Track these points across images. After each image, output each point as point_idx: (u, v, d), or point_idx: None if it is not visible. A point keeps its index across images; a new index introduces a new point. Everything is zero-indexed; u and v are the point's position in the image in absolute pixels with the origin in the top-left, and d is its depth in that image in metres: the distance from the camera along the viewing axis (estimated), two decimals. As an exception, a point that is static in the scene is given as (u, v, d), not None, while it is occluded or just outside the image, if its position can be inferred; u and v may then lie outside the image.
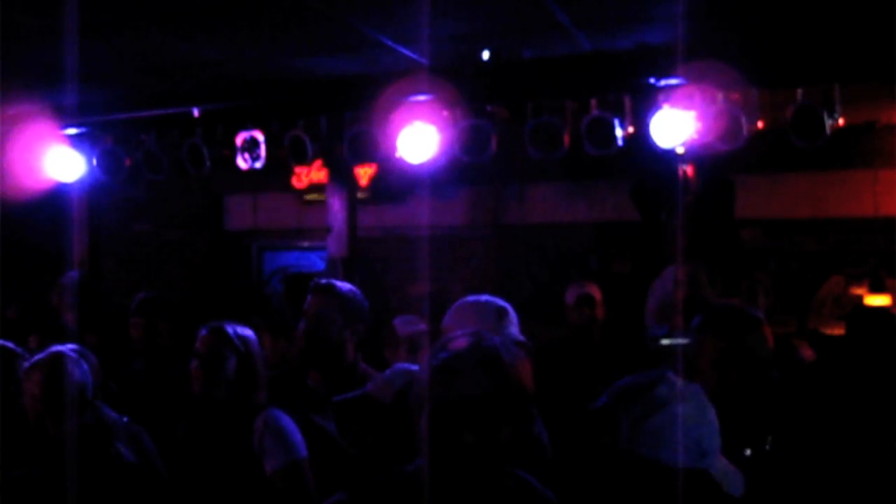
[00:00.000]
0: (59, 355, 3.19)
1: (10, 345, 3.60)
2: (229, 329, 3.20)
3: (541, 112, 4.57)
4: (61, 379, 3.13)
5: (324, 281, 3.51)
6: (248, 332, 3.24)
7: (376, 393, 2.84)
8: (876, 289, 6.78)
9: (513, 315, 3.11)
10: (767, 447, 2.74)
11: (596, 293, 5.01)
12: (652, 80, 4.35)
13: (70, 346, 3.44)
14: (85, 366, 3.22)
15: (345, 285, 3.50)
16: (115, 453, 3.15)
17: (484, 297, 3.14)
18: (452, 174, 6.33)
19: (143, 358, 4.32)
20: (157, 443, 3.40)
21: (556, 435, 2.95)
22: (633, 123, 4.52)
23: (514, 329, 3.12)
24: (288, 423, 3.08)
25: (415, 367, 2.60)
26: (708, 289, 4.63)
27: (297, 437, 3.06)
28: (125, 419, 3.36)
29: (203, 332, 3.22)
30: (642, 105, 4.45)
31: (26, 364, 3.23)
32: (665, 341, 3.75)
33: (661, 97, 4.37)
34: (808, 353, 4.55)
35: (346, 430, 2.96)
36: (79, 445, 3.08)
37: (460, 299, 3.16)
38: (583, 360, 4.72)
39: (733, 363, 2.86)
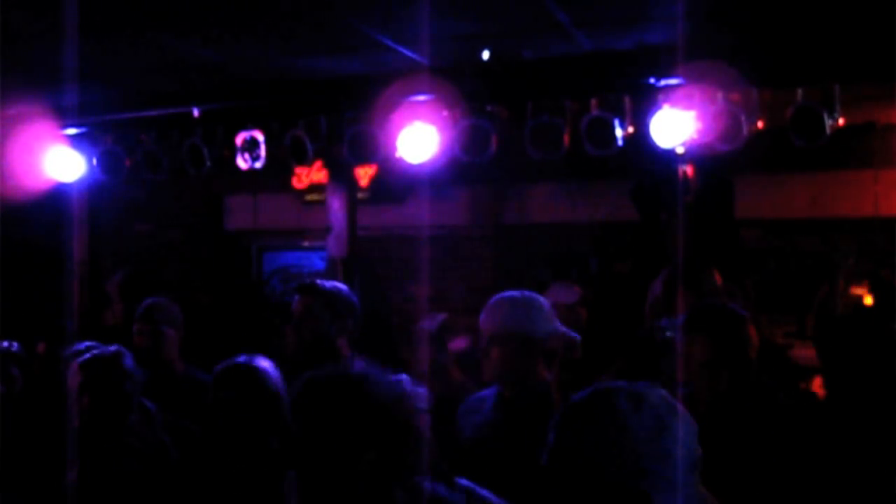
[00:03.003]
0: (112, 353, 3.24)
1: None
2: (251, 366, 2.90)
3: (541, 112, 4.57)
4: (114, 376, 3.17)
5: (307, 281, 3.56)
6: (269, 367, 2.95)
7: None
8: (876, 289, 6.77)
9: None
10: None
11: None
12: (652, 80, 4.35)
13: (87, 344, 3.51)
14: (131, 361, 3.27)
15: (328, 283, 3.56)
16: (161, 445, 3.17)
17: (527, 293, 3.06)
18: (452, 174, 6.33)
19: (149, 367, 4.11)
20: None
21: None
22: (633, 123, 4.52)
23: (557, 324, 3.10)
24: None
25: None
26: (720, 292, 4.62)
27: None
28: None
29: (218, 369, 2.94)
30: (642, 105, 4.45)
31: (76, 362, 3.27)
32: (670, 333, 3.74)
33: (661, 97, 4.37)
34: (805, 353, 4.55)
35: None
36: (130, 440, 3.13)
37: (500, 295, 3.05)
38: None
39: (724, 363, 2.83)
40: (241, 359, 2.96)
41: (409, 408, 1.98)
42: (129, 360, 3.26)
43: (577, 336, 3.14)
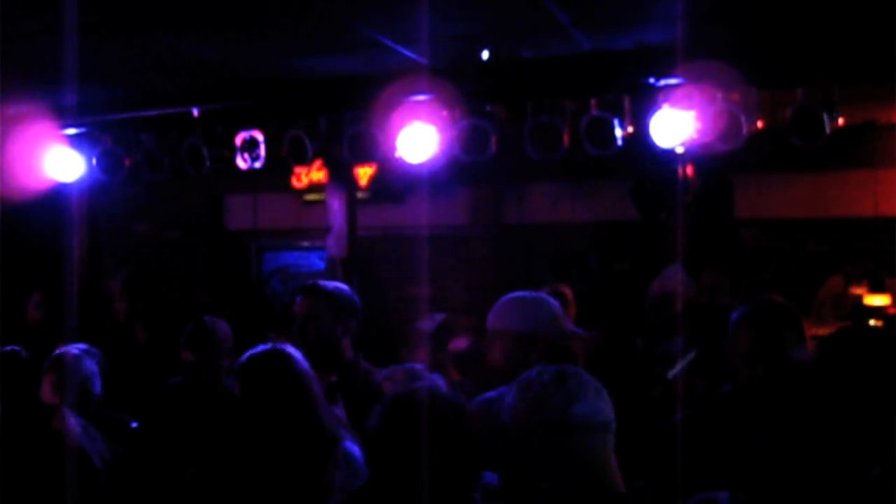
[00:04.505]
0: (64, 355, 3.29)
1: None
2: (278, 351, 2.81)
3: (540, 112, 4.57)
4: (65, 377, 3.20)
5: (310, 282, 3.57)
6: (295, 352, 2.86)
7: None
8: (876, 289, 6.78)
9: None
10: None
11: (566, 293, 4.98)
12: (652, 80, 4.35)
13: (79, 345, 3.51)
14: (91, 364, 3.29)
15: (330, 284, 3.56)
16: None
17: (537, 294, 3.05)
18: (452, 174, 6.33)
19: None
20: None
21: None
22: (632, 123, 4.52)
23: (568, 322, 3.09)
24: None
25: (412, 365, 2.55)
26: (729, 296, 4.61)
27: None
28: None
29: (244, 358, 2.83)
30: (642, 105, 4.45)
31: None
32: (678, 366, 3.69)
33: (660, 97, 4.37)
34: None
35: None
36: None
37: (508, 295, 3.02)
38: None
39: (762, 356, 2.80)
40: (266, 346, 2.87)
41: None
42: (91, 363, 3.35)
43: (589, 333, 3.12)
